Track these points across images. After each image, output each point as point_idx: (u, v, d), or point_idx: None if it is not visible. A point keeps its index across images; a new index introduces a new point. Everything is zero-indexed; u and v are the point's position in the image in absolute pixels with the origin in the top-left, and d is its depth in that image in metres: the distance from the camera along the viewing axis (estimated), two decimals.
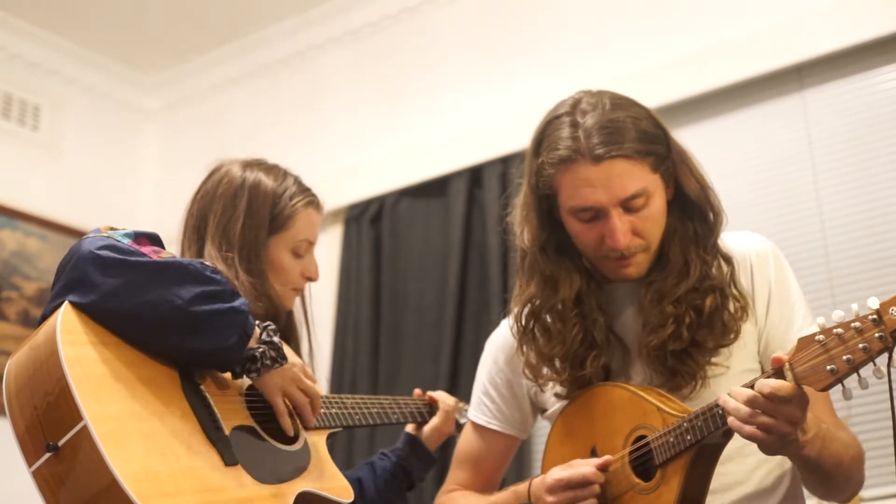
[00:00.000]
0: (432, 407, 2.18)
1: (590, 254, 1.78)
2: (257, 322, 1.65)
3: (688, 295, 1.72)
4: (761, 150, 3.17)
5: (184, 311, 1.54)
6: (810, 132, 3.09)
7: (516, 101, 3.60)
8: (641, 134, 1.71)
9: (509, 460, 2.04)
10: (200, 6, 4.13)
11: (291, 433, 1.71)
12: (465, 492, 1.97)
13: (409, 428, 2.15)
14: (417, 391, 2.19)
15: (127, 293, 1.53)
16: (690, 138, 3.24)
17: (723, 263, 1.76)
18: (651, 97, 3.24)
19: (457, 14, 3.89)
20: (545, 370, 1.83)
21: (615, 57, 3.45)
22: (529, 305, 1.83)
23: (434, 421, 2.13)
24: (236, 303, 1.60)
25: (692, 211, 1.77)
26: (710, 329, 1.70)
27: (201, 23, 4.24)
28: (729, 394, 1.49)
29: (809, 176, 3.06)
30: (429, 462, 2.12)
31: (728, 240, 1.81)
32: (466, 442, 2.01)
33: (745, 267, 1.78)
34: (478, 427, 1.99)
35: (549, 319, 1.81)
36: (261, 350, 1.62)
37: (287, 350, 1.71)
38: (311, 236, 1.95)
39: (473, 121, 3.69)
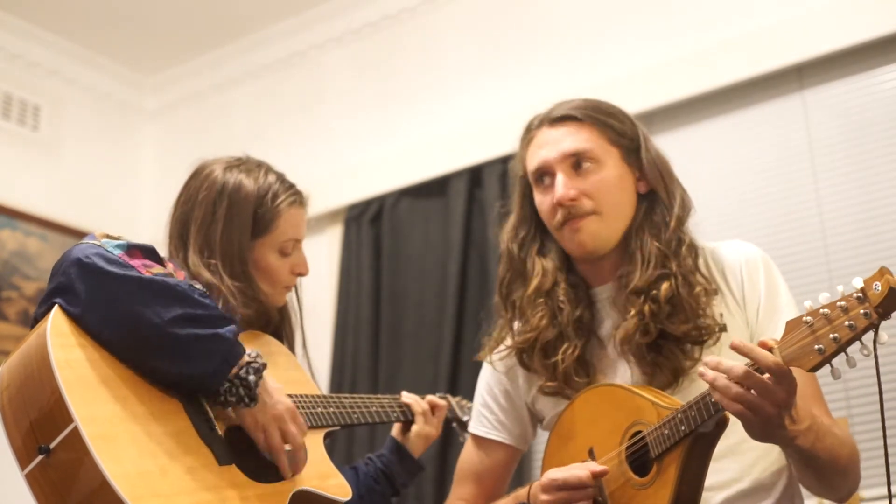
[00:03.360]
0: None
1: (551, 227, 1.85)
2: (247, 353, 1.60)
3: (647, 286, 1.75)
4: (761, 150, 3.16)
5: (162, 332, 1.51)
6: (810, 132, 3.09)
7: (516, 101, 3.60)
8: (604, 111, 1.86)
9: (511, 473, 2.03)
10: (200, 6, 4.13)
11: (287, 473, 1.65)
12: None
13: (395, 432, 2.12)
14: (401, 393, 2.14)
15: (106, 305, 1.51)
16: (690, 138, 3.28)
17: (685, 252, 1.79)
18: (651, 97, 3.27)
19: (457, 14, 3.88)
20: (526, 360, 1.88)
21: (615, 57, 3.44)
22: (504, 290, 1.91)
23: (414, 427, 2.08)
24: (221, 329, 1.56)
25: (658, 204, 1.83)
26: (674, 315, 1.72)
27: (201, 23, 4.24)
28: (715, 364, 1.47)
29: (809, 176, 3.06)
30: (413, 469, 2.09)
31: (719, 249, 1.85)
32: (468, 456, 2.02)
33: (736, 276, 1.81)
34: (478, 439, 1.99)
35: (521, 306, 1.88)
36: (226, 386, 1.56)
37: (274, 388, 1.65)
38: (297, 235, 1.93)
39: (473, 121, 3.69)
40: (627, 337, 1.74)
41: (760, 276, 1.80)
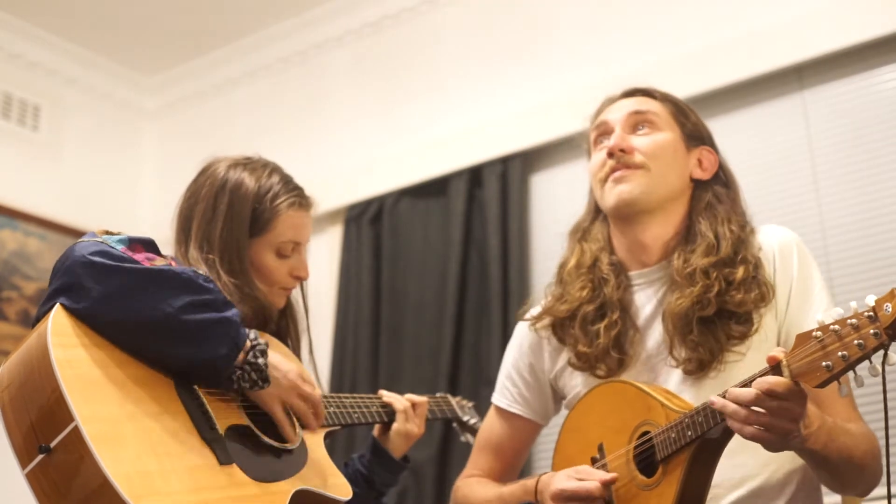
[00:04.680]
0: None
1: (596, 183, 1.89)
2: (250, 336, 1.63)
3: (718, 266, 1.76)
4: (761, 150, 3.16)
5: (175, 319, 1.54)
6: (810, 132, 3.09)
7: (516, 101, 3.60)
8: (677, 99, 1.94)
9: (529, 447, 2.06)
10: (200, 6, 4.13)
11: (295, 441, 1.70)
12: (480, 478, 1.99)
13: (376, 432, 2.10)
14: (380, 392, 2.12)
15: (118, 300, 1.53)
16: None
17: (756, 248, 1.81)
18: None
19: (457, 14, 3.88)
20: (561, 331, 1.91)
21: (615, 57, 3.44)
22: (560, 271, 1.96)
23: (395, 425, 2.06)
24: (228, 313, 1.59)
25: (723, 198, 1.86)
26: (745, 293, 1.73)
27: (201, 23, 4.24)
28: (725, 394, 1.49)
29: (809, 176, 3.06)
30: (394, 468, 2.06)
31: (756, 235, 1.86)
32: (488, 427, 2.04)
33: (770, 259, 1.81)
34: (500, 411, 2.02)
35: (564, 280, 1.93)
36: (237, 373, 1.61)
37: (283, 355, 1.69)
38: (296, 237, 1.93)
39: (473, 121, 3.69)
40: (686, 308, 1.74)
41: (794, 261, 1.81)
